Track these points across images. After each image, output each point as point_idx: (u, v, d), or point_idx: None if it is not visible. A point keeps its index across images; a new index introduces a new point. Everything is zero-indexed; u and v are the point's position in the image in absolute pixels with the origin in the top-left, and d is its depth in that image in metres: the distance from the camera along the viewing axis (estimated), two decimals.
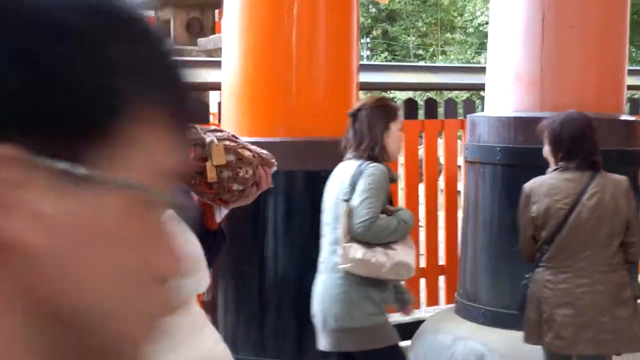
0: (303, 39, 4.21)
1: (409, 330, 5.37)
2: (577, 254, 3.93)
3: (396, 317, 5.85)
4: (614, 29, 5.07)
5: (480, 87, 7.63)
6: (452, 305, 5.59)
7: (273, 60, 4.25)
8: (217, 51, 7.58)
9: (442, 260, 6.26)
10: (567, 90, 4.91)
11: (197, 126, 2.00)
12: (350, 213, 3.54)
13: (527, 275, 4.07)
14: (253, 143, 2.28)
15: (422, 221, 6.13)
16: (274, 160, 2.16)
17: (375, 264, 3.58)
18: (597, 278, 3.93)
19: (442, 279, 6.26)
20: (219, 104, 4.87)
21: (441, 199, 6.36)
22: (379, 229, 3.60)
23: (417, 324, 5.47)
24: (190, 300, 1.85)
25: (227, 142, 2.02)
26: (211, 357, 1.91)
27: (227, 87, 4.45)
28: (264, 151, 2.11)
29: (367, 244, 3.57)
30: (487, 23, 24.06)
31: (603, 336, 3.88)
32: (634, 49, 21.82)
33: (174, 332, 1.77)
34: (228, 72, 4.43)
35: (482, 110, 5.84)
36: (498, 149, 4.98)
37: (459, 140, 6.33)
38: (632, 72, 5.70)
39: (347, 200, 3.58)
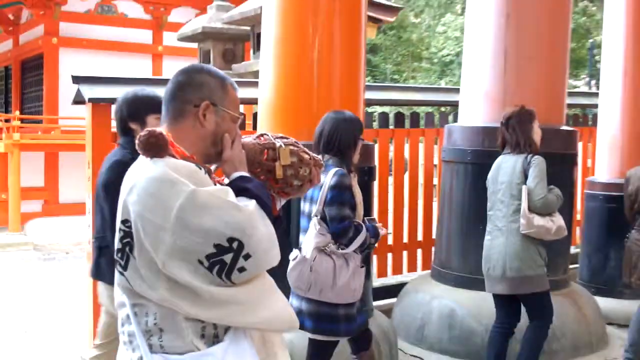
0: (323, 66, 4.34)
1: (395, 290, 5.72)
2: None
3: (382, 280, 6.28)
4: (559, 61, 5.33)
5: (442, 103, 8.12)
6: (428, 271, 5.84)
7: (300, 81, 4.37)
8: (248, 74, 8.07)
9: (420, 237, 6.56)
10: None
11: (269, 133, 2.09)
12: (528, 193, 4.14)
13: (627, 235, 4.83)
14: None
15: (407, 206, 6.42)
16: (322, 162, 2.17)
17: (548, 228, 4.14)
18: None
19: (419, 251, 6.56)
20: (255, 114, 5.08)
21: (421, 190, 6.68)
22: (550, 202, 4.17)
23: (401, 285, 5.75)
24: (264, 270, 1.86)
25: (292, 147, 2.05)
26: (281, 317, 1.89)
27: (264, 102, 4.55)
28: (316, 155, 2.12)
29: (541, 214, 4.14)
30: (447, 55, 24.22)
31: None
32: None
33: (253, 295, 1.82)
34: (265, 90, 4.54)
35: (456, 121, 6.08)
36: (469, 151, 5.26)
37: (435, 145, 6.64)
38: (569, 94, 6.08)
39: (520, 184, 4.18)
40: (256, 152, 1.99)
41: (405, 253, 6.42)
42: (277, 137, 2.05)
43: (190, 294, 1.71)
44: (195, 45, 10.39)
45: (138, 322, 1.77)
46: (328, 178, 3.48)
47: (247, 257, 1.73)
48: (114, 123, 3.76)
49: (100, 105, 4.77)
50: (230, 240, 1.71)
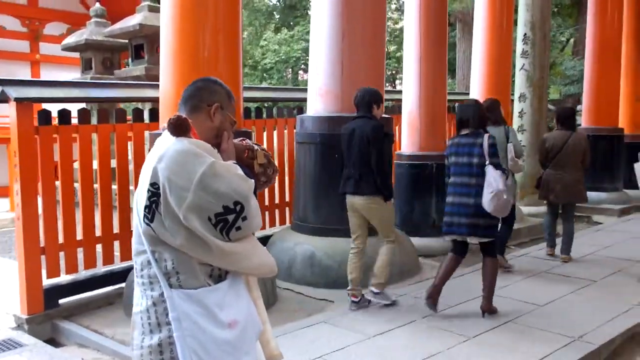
0: (211, 65, 4.44)
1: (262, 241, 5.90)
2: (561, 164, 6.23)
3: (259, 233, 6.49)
4: (379, 68, 5.84)
5: (291, 99, 8.34)
6: (288, 225, 6.15)
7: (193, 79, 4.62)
8: (128, 78, 7.97)
9: (287, 198, 6.78)
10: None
11: (248, 140, 2.20)
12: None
13: (542, 171, 6.41)
14: None
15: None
16: (278, 169, 2.27)
17: None
18: (566, 172, 6.19)
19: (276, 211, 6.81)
20: (135, 109, 5.32)
21: (286, 166, 6.90)
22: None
23: (268, 237, 6.04)
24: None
25: (265, 152, 2.16)
26: (267, 264, 2.00)
27: (165, 95, 4.59)
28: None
29: None
30: (268, 63, 24.36)
31: (569, 191, 6.17)
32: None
33: (247, 248, 1.92)
34: (166, 86, 4.60)
35: (301, 113, 6.49)
36: (318, 134, 5.68)
37: (285, 131, 6.95)
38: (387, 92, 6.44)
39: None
40: (240, 151, 2.13)
41: (267, 212, 6.66)
42: (254, 143, 2.20)
43: (203, 244, 1.84)
44: (73, 54, 10.05)
45: (159, 266, 1.88)
46: (485, 140, 4.50)
47: (244, 218, 1.87)
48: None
49: (24, 104, 4.66)
50: (236, 203, 1.85)
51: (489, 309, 4.58)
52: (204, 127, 2.02)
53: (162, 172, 1.83)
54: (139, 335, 1.94)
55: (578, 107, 11.83)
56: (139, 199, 1.92)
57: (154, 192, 1.84)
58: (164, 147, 1.89)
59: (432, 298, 4.67)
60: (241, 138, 2.23)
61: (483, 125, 4.69)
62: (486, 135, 4.52)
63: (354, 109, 5.33)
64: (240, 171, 1.93)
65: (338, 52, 5.64)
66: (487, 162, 4.42)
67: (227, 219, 1.85)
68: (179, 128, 1.90)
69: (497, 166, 4.45)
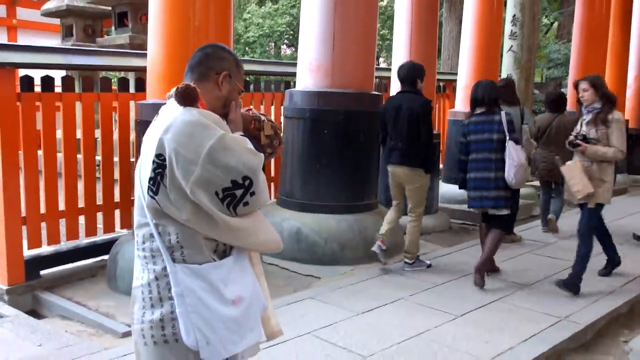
0: (201, 33, 4.32)
1: None
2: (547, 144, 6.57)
3: None
4: (371, 43, 5.77)
5: (278, 73, 8.27)
6: (274, 201, 6.10)
7: (182, 45, 4.28)
8: (111, 46, 7.79)
9: (272, 173, 6.70)
10: (347, 76, 5.55)
11: (253, 109, 2.14)
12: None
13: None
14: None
15: None
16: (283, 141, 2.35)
17: None
18: (552, 152, 6.37)
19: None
20: (120, 78, 5.19)
21: None
22: None
23: None
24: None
25: (271, 123, 2.12)
26: (273, 240, 1.98)
27: (152, 63, 4.46)
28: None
29: None
30: (252, 36, 24.08)
31: (554, 170, 5.89)
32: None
33: (254, 224, 1.88)
34: (154, 53, 4.46)
35: (287, 88, 6.39)
36: (307, 110, 5.63)
37: (272, 106, 6.90)
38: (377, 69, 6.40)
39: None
40: (247, 122, 2.07)
41: None
42: (260, 114, 2.14)
43: (210, 219, 1.78)
44: (53, 20, 9.77)
45: (162, 240, 1.82)
46: (503, 117, 4.78)
47: (252, 194, 1.81)
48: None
49: (7, 69, 4.52)
50: (244, 178, 1.79)
51: (479, 269, 4.78)
52: (212, 96, 1.94)
53: (168, 143, 1.75)
54: (140, 310, 1.90)
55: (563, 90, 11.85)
56: (143, 170, 1.85)
57: (160, 164, 1.77)
58: (171, 117, 1.81)
59: (484, 272, 4.83)
60: (247, 108, 2.17)
61: (497, 104, 4.95)
62: (503, 112, 4.85)
63: (345, 84, 5.56)
64: (250, 145, 1.87)
65: (330, 27, 5.56)
66: (507, 138, 4.73)
67: (235, 194, 1.79)
68: (187, 97, 1.82)
69: (517, 141, 4.79)
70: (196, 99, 1.84)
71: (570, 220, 6.95)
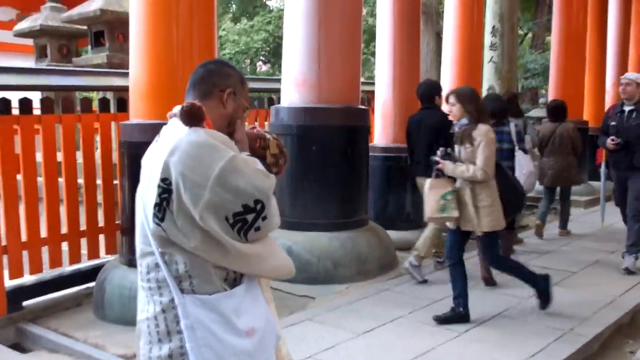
0: (185, 51, 4.18)
1: None
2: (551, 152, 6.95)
3: None
4: (355, 58, 5.70)
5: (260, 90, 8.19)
6: None
7: (166, 64, 4.16)
8: (88, 66, 7.63)
9: None
10: (333, 91, 5.48)
11: (257, 127, 2.08)
12: None
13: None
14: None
15: None
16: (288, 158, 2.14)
17: None
18: (557, 159, 6.88)
19: None
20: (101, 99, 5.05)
21: None
22: None
23: None
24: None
25: (277, 141, 2.04)
26: (286, 265, 1.94)
27: (135, 83, 4.31)
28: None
29: None
30: (228, 53, 24.10)
31: (561, 176, 6.84)
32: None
33: (266, 249, 1.80)
34: (137, 73, 4.30)
35: (280, 103, 6.11)
36: (294, 126, 5.52)
37: (256, 122, 6.86)
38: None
39: None
40: (252, 140, 1.99)
41: None
42: (264, 131, 2.07)
43: (220, 246, 1.69)
44: (25, 41, 9.61)
45: (169, 269, 1.73)
46: (512, 128, 5.16)
47: (264, 218, 1.73)
48: None
49: None
50: (256, 202, 1.71)
51: (486, 276, 5.04)
52: (216, 115, 1.85)
53: (174, 166, 1.66)
54: (146, 345, 1.78)
55: (541, 100, 12.00)
56: (146, 195, 1.75)
57: (165, 189, 1.67)
58: (176, 138, 1.71)
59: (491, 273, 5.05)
60: (252, 126, 2.09)
61: (505, 117, 5.32)
62: (512, 124, 5.13)
63: (332, 99, 5.49)
64: (260, 166, 1.79)
65: (314, 41, 5.47)
66: (517, 148, 5.11)
67: (247, 219, 1.70)
68: (193, 117, 1.73)
69: (525, 151, 5.19)
70: (202, 118, 1.75)
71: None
